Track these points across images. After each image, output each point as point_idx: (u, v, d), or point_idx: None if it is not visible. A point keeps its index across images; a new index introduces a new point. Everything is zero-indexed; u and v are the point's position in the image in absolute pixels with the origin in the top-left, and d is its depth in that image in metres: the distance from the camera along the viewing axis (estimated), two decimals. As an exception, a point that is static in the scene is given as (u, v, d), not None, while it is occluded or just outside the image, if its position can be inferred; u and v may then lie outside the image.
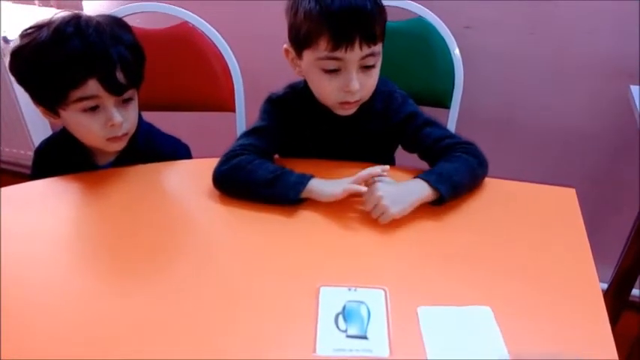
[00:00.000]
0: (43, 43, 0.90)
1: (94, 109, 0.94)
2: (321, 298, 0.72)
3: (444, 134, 0.97)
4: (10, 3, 1.88)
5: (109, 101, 0.94)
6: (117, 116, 0.95)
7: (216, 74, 1.31)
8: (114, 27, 0.96)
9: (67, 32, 0.91)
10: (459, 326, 0.69)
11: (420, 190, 0.86)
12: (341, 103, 0.93)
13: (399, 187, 0.87)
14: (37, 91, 0.96)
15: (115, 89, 0.94)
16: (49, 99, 0.95)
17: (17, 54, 0.94)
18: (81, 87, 0.91)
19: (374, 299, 0.72)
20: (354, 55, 0.87)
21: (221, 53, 1.29)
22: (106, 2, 1.73)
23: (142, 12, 1.29)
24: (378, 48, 0.90)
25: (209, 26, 1.29)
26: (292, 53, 0.95)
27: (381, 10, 0.90)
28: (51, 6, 1.80)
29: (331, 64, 0.89)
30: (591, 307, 0.72)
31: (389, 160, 1.10)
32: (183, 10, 1.29)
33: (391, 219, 0.84)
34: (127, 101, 0.98)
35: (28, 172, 1.09)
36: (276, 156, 1.04)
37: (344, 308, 0.71)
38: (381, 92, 0.97)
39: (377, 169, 0.88)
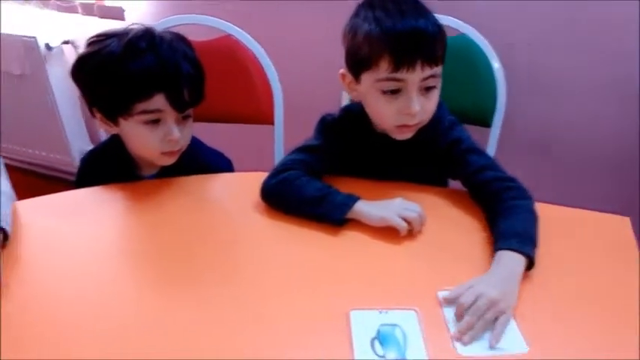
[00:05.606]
0: (114, 54, 0.92)
1: (155, 122, 0.96)
2: (352, 322, 0.71)
3: (487, 163, 0.94)
4: (54, 11, 1.93)
5: (170, 116, 0.96)
6: (176, 132, 0.97)
7: (257, 87, 1.32)
8: (182, 44, 0.98)
9: (140, 46, 0.93)
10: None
11: (513, 263, 0.78)
12: (399, 126, 0.92)
13: (493, 274, 0.77)
14: (102, 99, 0.97)
15: (179, 106, 0.96)
16: (113, 108, 0.96)
17: (84, 61, 0.96)
18: (148, 100, 0.93)
19: (407, 321, 0.71)
20: (415, 76, 0.86)
21: (262, 67, 1.30)
22: (149, 12, 1.76)
23: (188, 24, 1.31)
24: (438, 70, 0.89)
25: (252, 40, 1.30)
26: (349, 77, 0.94)
27: (442, 32, 0.89)
28: (94, 15, 1.84)
29: (391, 85, 0.88)
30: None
31: (441, 184, 1.08)
32: (227, 22, 1.30)
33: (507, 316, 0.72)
34: (186, 118, 1.00)
35: (63, 176, 1.10)
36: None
37: (378, 332, 0.70)
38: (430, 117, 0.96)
39: (418, 227, 0.86)
